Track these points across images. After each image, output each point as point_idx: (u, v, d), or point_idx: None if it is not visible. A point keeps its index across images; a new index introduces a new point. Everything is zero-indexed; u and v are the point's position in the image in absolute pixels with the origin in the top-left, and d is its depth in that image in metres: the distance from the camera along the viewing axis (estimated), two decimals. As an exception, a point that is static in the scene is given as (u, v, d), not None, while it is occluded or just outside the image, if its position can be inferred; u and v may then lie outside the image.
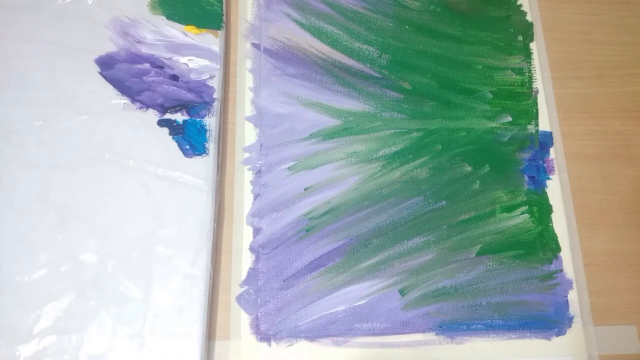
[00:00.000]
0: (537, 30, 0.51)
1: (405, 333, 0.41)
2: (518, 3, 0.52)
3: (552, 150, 0.47)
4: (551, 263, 0.43)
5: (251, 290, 0.41)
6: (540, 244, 0.44)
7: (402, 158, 0.45)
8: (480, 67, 0.49)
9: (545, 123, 0.48)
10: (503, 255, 0.43)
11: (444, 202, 0.44)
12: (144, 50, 0.45)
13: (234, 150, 0.45)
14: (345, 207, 0.44)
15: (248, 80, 0.47)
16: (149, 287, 0.39)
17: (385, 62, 0.48)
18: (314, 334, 0.40)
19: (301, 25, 0.49)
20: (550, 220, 0.45)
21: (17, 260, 0.39)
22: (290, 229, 0.43)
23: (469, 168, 0.46)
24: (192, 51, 0.45)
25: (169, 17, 0.46)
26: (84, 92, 0.43)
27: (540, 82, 0.49)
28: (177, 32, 0.46)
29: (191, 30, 0.46)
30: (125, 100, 0.43)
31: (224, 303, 0.41)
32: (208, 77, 0.45)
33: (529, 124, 0.47)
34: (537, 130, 0.47)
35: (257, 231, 0.43)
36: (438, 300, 0.42)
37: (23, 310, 0.37)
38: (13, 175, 0.41)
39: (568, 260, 0.44)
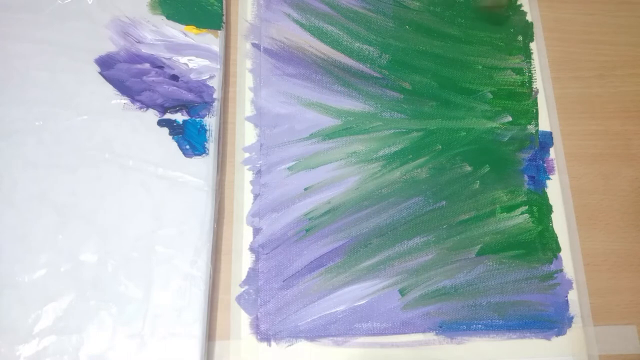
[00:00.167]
0: (537, 30, 0.51)
1: (405, 333, 0.41)
2: (518, 3, 0.52)
3: (552, 150, 0.47)
4: (551, 263, 0.43)
5: (251, 290, 0.41)
6: (540, 244, 0.44)
7: (402, 158, 0.45)
8: (480, 67, 0.49)
9: (545, 123, 0.48)
10: (503, 255, 0.43)
11: (444, 202, 0.44)
12: (144, 50, 0.45)
13: (234, 150, 0.45)
14: (345, 207, 0.44)
15: (248, 80, 0.47)
16: (149, 287, 0.39)
17: (385, 62, 0.48)
18: (314, 334, 0.40)
19: (301, 25, 0.49)
20: (550, 220, 0.45)
21: (17, 260, 0.39)
22: (290, 229, 0.43)
23: (469, 168, 0.46)
24: (192, 51, 0.45)
25: (169, 17, 0.46)
26: (84, 92, 0.43)
27: (540, 82, 0.49)
28: (177, 32, 0.46)
29: (191, 30, 0.46)
30: (125, 100, 0.43)
31: (224, 303, 0.41)
32: (208, 77, 0.45)
33: (529, 124, 0.47)
34: (537, 130, 0.47)
35: (257, 231, 0.43)
36: (438, 300, 0.42)
37: (23, 310, 0.37)
38: (13, 175, 0.41)
39: (568, 260, 0.44)
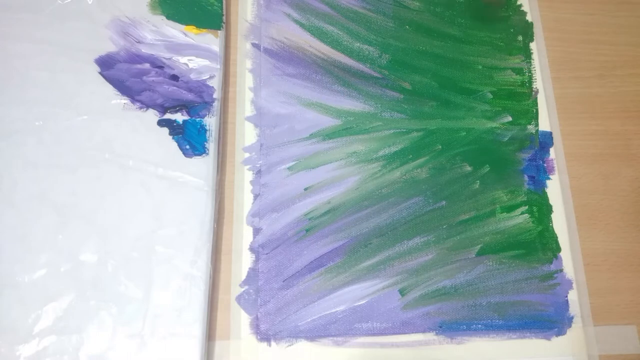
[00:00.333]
0: (537, 30, 0.51)
1: (405, 333, 0.41)
2: (518, 3, 0.52)
3: (552, 150, 0.47)
4: (551, 263, 0.43)
5: (251, 290, 0.41)
6: (540, 244, 0.44)
7: (402, 158, 0.45)
8: (480, 67, 0.49)
9: (545, 123, 0.48)
10: (503, 255, 0.43)
11: (444, 202, 0.44)
12: (144, 50, 0.45)
13: (234, 150, 0.45)
14: (345, 207, 0.44)
15: (248, 80, 0.47)
16: (149, 287, 0.39)
17: (385, 62, 0.48)
18: (314, 334, 0.40)
19: (301, 25, 0.49)
20: (550, 220, 0.45)
21: (17, 260, 0.39)
22: (290, 229, 0.43)
23: (469, 168, 0.46)
24: (192, 51, 0.45)
25: (169, 17, 0.46)
26: (84, 92, 0.43)
27: (540, 82, 0.49)
28: (177, 32, 0.46)
29: (191, 30, 0.46)
30: (125, 100, 0.43)
31: (224, 303, 0.41)
32: (208, 77, 0.45)
33: (529, 124, 0.47)
34: (537, 130, 0.47)
35: (257, 231, 0.43)
36: (438, 300, 0.42)
37: (23, 310, 0.37)
38: (13, 175, 0.41)
39: (568, 260, 0.44)
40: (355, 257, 0.42)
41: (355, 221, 0.43)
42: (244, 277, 0.42)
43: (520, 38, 0.50)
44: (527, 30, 0.51)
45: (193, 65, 0.45)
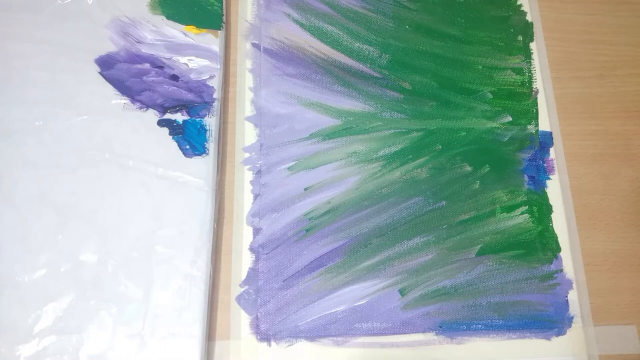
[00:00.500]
0: (537, 30, 0.51)
1: (405, 333, 0.41)
2: (518, 3, 0.52)
3: (552, 150, 0.47)
4: (551, 263, 0.43)
5: (251, 290, 0.41)
6: (540, 244, 0.44)
7: (402, 158, 0.45)
8: (480, 67, 0.49)
9: (545, 123, 0.48)
10: (503, 255, 0.43)
11: (444, 202, 0.44)
12: (144, 50, 0.45)
13: (234, 150, 0.45)
14: (345, 207, 0.44)
15: (248, 80, 0.47)
16: (149, 287, 0.39)
17: (385, 62, 0.48)
18: (314, 334, 0.40)
19: (301, 25, 0.49)
20: (550, 220, 0.45)
21: (17, 260, 0.39)
22: (290, 229, 0.43)
23: (469, 168, 0.46)
24: (192, 51, 0.45)
25: (169, 17, 0.46)
26: (84, 92, 0.43)
27: (540, 82, 0.49)
28: (177, 32, 0.46)
29: (191, 30, 0.46)
30: (125, 100, 0.43)
31: (224, 303, 0.41)
32: (208, 77, 0.45)
33: (529, 124, 0.47)
34: (537, 130, 0.47)
35: (257, 231, 0.43)
36: (438, 300, 0.42)
37: (23, 310, 0.37)
38: (13, 175, 0.41)
39: (568, 260, 0.44)
40: (355, 257, 0.42)
41: (355, 221, 0.43)
42: (244, 277, 0.42)
43: (520, 38, 0.50)
44: (527, 30, 0.51)
45: (193, 65, 0.45)
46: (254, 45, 0.48)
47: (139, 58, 0.45)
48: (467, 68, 0.49)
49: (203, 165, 0.42)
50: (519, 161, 0.46)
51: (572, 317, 0.42)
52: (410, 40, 0.49)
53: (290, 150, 0.45)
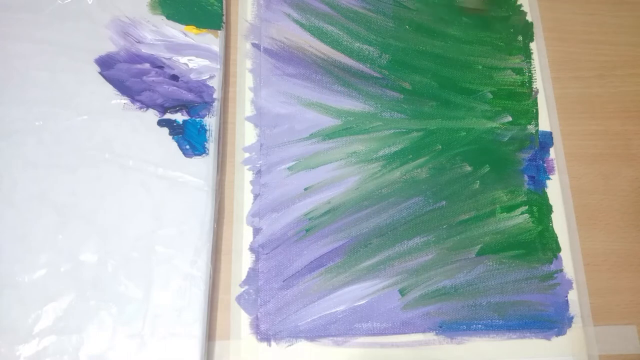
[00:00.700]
0: (537, 30, 0.51)
1: (405, 333, 0.41)
2: (518, 3, 0.52)
3: (552, 150, 0.47)
4: (551, 263, 0.43)
5: (251, 290, 0.41)
6: (540, 244, 0.44)
7: (402, 158, 0.45)
8: (480, 67, 0.49)
9: (545, 123, 0.48)
10: (503, 255, 0.43)
11: (444, 202, 0.44)
12: (144, 50, 0.45)
13: (234, 150, 0.45)
14: (345, 207, 0.44)
15: (248, 80, 0.47)
16: (149, 287, 0.39)
17: (385, 62, 0.48)
18: (314, 334, 0.40)
19: (301, 25, 0.49)
20: (550, 220, 0.45)
21: (17, 260, 0.39)
22: (290, 229, 0.43)
23: (469, 168, 0.46)
24: (192, 51, 0.45)
25: (169, 17, 0.46)
26: (84, 92, 0.43)
27: (540, 82, 0.49)
28: (177, 32, 0.46)
29: (191, 30, 0.46)
30: (125, 100, 0.43)
31: (224, 303, 0.41)
32: (208, 77, 0.45)
33: (529, 124, 0.47)
34: (537, 130, 0.47)
35: (257, 231, 0.43)
36: (438, 300, 0.42)
37: (23, 310, 0.37)
38: (13, 175, 0.41)
39: (568, 260, 0.44)
40: (355, 257, 0.42)
41: (355, 221, 0.43)
42: (244, 277, 0.42)
43: (520, 38, 0.50)
44: (527, 30, 0.51)
45: (193, 65, 0.45)
46: (254, 45, 0.48)
47: (139, 58, 0.45)
48: (467, 68, 0.49)
49: (203, 165, 0.42)
50: (519, 161, 0.46)
51: (572, 317, 0.42)
52: (410, 40, 0.49)
53: (290, 150, 0.45)
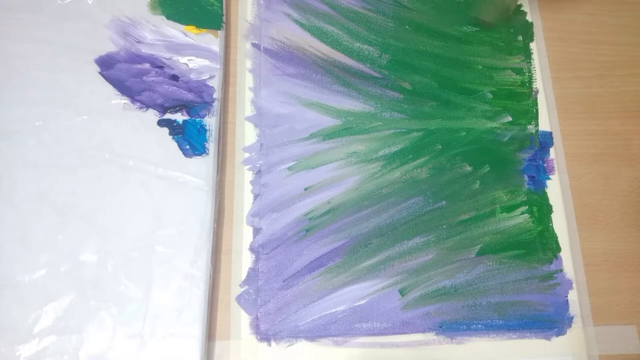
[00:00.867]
0: (537, 30, 0.51)
1: (405, 333, 0.41)
2: (518, 3, 0.52)
3: (552, 150, 0.47)
4: (551, 263, 0.43)
5: (251, 290, 0.41)
6: (540, 244, 0.44)
7: (402, 158, 0.45)
8: (480, 67, 0.49)
9: (545, 123, 0.48)
10: (503, 255, 0.43)
11: (444, 202, 0.44)
12: (144, 50, 0.45)
13: (234, 150, 0.45)
14: (345, 207, 0.44)
15: (248, 80, 0.47)
16: (149, 287, 0.39)
17: (385, 62, 0.48)
18: (314, 334, 0.40)
19: (301, 25, 0.49)
20: (550, 220, 0.45)
21: (17, 260, 0.39)
22: (290, 229, 0.43)
23: (469, 168, 0.46)
24: (192, 51, 0.45)
25: (169, 17, 0.46)
26: (84, 92, 0.43)
27: (540, 82, 0.49)
28: (177, 32, 0.46)
29: (191, 30, 0.46)
30: (125, 100, 0.43)
31: (224, 303, 0.41)
32: (208, 77, 0.45)
33: (529, 124, 0.47)
34: (537, 130, 0.47)
35: (257, 231, 0.43)
36: (438, 300, 0.42)
37: (23, 310, 0.37)
38: (13, 175, 0.41)
39: (568, 260, 0.44)
40: (355, 257, 0.42)
41: (355, 221, 0.43)
42: (244, 277, 0.42)
43: (520, 38, 0.50)
44: (527, 30, 0.51)
45: (193, 65, 0.45)
46: (254, 45, 0.48)
47: (139, 58, 0.45)
48: (467, 68, 0.49)
49: (203, 165, 0.42)
50: (519, 161, 0.46)
51: (572, 317, 0.42)
52: (410, 40, 0.49)
53: (290, 150, 0.45)
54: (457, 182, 0.45)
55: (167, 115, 0.43)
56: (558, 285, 0.43)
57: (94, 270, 0.39)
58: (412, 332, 0.41)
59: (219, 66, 0.45)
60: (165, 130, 0.43)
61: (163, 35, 0.46)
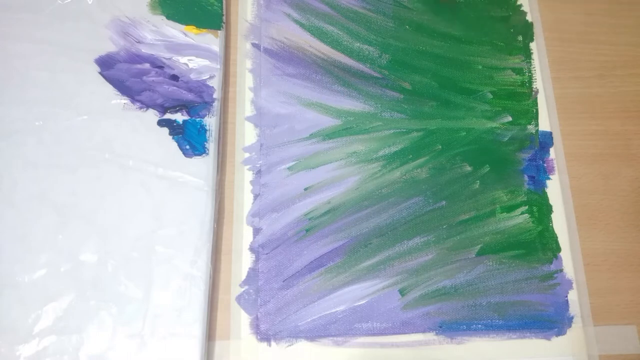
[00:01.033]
0: (537, 30, 0.51)
1: (405, 333, 0.41)
2: (518, 3, 0.52)
3: (552, 150, 0.47)
4: (551, 263, 0.43)
5: (251, 290, 0.41)
6: (540, 244, 0.44)
7: (402, 158, 0.45)
8: (480, 67, 0.49)
9: (545, 123, 0.48)
10: (503, 255, 0.43)
11: (444, 202, 0.44)
12: (144, 50, 0.45)
13: (234, 150, 0.45)
14: (345, 207, 0.44)
15: (248, 80, 0.47)
16: (149, 287, 0.39)
17: (385, 62, 0.48)
18: (314, 334, 0.40)
19: (301, 25, 0.49)
20: (550, 220, 0.45)
21: (17, 260, 0.39)
22: (290, 229, 0.43)
23: (469, 168, 0.46)
24: (192, 51, 0.45)
25: (169, 17, 0.46)
26: (84, 92, 0.43)
27: (540, 82, 0.49)
28: (177, 32, 0.46)
29: (191, 30, 0.46)
30: (125, 100, 0.43)
31: (224, 303, 0.41)
32: (208, 77, 0.45)
33: (529, 124, 0.47)
34: (537, 130, 0.47)
35: (257, 231, 0.43)
36: (438, 300, 0.42)
37: (23, 310, 0.37)
38: (13, 175, 0.41)
39: (568, 260, 0.44)
40: (355, 257, 0.42)
41: (355, 221, 0.43)
42: (244, 277, 0.42)
43: (520, 38, 0.50)
44: (527, 30, 0.51)
45: (193, 65, 0.45)
46: (254, 45, 0.48)
47: (139, 58, 0.45)
48: (467, 68, 0.49)
49: (203, 165, 0.42)
50: (519, 161, 0.46)
51: (572, 317, 0.42)
52: (410, 40, 0.49)
53: (290, 150, 0.45)
54: (457, 182, 0.45)
55: (167, 115, 0.43)
56: (558, 285, 0.43)
57: (94, 270, 0.39)
58: (412, 332, 0.41)
59: (219, 66, 0.45)
60: (165, 130, 0.43)
61: (163, 35, 0.46)
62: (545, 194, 0.45)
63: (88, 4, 0.46)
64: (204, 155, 0.43)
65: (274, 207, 0.43)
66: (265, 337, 0.40)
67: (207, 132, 0.43)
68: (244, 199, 0.44)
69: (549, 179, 0.46)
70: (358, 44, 0.49)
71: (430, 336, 0.41)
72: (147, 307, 0.38)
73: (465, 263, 0.43)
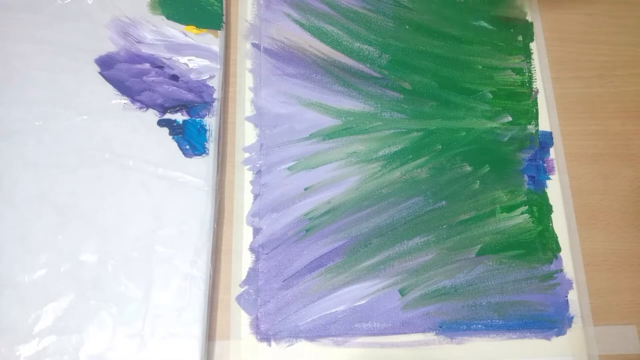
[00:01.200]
0: (537, 30, 0.51)
1: (405, 333, 0.41)
2: (518, 3, 0.52)
3: (552, 150, 0.47)
4: (551, 263, 0.43)
5: (251, 290, 0.41)
6: (540, 244, 0.44)
7: (402, 158, 0.45)
8: (480, 67, 0.49)
9: (545, 123, 0.48)
10: (503, 255, 0.43)
11: (444, 202, 0.44)
12: (144, 50, 0.45)
13: (234, 150, 0.45)
14: (345, 207, 0.44)
15: (248, 80, 0.47)
16: (149, 287, 0.39)
17: (385, 62, 0.48)
18: (314, 334, 0.40)
19: (301, 25, 0.49)
20: (550, 220, 0.45)
21: (17, 260, 0.39)
22: (290, 229, 0.43)
23: (469, 168, 0.46)
24: (192, 51, 0.45)
25: (169, 17, 0.46)
26: (84, 92, 0.43)
27: (540, 82, 0.49)
28: (177, 32, 0.46)
29: (191, 30, 0.46)
30: (125, 100, 0.43)
31: (224, 303, 0.41)
32: (208, 77, 0.45)
33: (529, 124, 0.47)
34: (537, 130, 0.47)
35: (257, 231, 0.43)
36: (438, 300, 0.42)
37: (23, 310, 0.37)
38: (13, 175, 0.41)
39: (568, 260, 0.44)
40: (355, 257, 0.42)
41: (355, 221, 0.43)
42: (244, 277, 0.42)
43: (520, 38, 0.50)
44: (527, 30, 0.51)
45: (193, 65, 0.45)
46: (254, 45, 0.48)
47: (139, 58, 0.45)
48: (467, 68, 0.49)
49: (203, 165, 0.42)
50: (519, 161, 0.46)
51: (572, 317, 0.42)
52: (410, 40, 0.49)
53: (290, 150, 0.45)
54: (457, 182, 0.45)
55: (167, 115, 0.44)
56: (558, 285, 0.43)
57: (94, 270, 0.39)
58: (412, 332, 0.41)
59: (219, 66, 0.45)
60: (165, 130, 0.43)
61: (163, 35, 0.46)
62: (545, 194, 0.45)
63: (88, 4, 0.46)
64: (204, 155, 0.43)
65: (274, 207, 0.43)
66: (265, 337, 0.40)
67: (207, 132, 0.43)
68: (244, 199, 0.44)
69: (549, 179, 0.46)
70: (358, 44, 0.49)
71: (430, 336, 0.41)
72: (147, 307, 0.38)
73: (465, 263, 0.43)
